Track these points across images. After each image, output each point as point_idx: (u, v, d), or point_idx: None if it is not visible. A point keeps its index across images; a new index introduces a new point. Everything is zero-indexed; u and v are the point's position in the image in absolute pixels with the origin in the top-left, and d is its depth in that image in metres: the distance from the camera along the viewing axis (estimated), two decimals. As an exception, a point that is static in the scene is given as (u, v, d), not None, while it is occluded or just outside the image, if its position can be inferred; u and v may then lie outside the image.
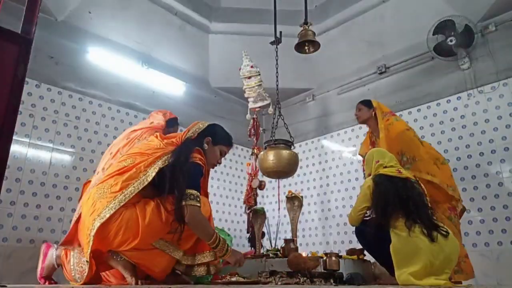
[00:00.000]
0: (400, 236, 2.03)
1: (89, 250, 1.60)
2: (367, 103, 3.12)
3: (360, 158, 4.27)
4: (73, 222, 1.95)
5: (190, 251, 1.87)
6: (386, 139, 2.81)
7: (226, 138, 2.17)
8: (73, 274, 1.73)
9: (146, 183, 1.74)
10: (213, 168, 2.17)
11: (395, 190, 2.14)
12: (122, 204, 1.65)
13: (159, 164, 1.80)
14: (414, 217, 2.05)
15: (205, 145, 2.04)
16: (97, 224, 1.61)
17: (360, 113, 3.13)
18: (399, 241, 2.02)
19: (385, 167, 2.29)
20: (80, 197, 2.58)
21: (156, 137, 2.04)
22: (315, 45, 3.40)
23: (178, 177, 1.76)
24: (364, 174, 2.57)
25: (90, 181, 2.56)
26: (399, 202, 2.10)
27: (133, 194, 1.69)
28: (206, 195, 2.10)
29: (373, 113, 3.04)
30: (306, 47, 3.46)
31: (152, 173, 1.76)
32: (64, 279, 1.90)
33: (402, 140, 2.80)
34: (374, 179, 2.24)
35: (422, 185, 2.30)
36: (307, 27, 3.32)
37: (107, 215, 1.62)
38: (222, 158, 2.18)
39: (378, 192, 2.17)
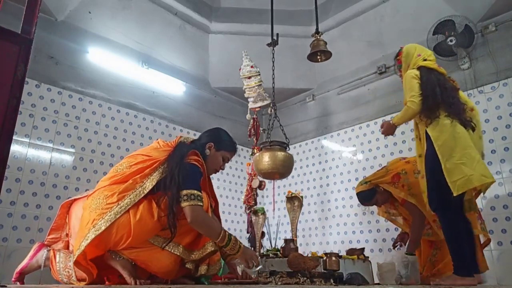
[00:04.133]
0: (445, 125, 2.13)
1: (75, 258, 1.59)
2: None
3: (360, 158, 4.29)
4: (63, 208, 1.93)
5: (191, 246, 1.84)
6: None
7: (230, 144, 2.12)
8: (60, 278, 1.74)
9: (142, 195, 1.72)
10: (214, 173, 2.13)
11: (438, 80, 2.24)
12: (118, 216, 1.64)
13: (156, 176, 1.77)
14: (454, 108, 2.17)
15: (207, 150, 2.02)
16: (92, 235, 1.59)
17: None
18: (445, 130, 2.13)
19: (425, 59, 2.34)
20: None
21: (158, 142, 2.04)
22: (327, 54, 3.45)
23: (171, 182, 1.74)
24: (397, 72, 2.55)
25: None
26: (440, 93, 2.19)
27: (129, 206, 1.67)
28: (215, 198, 2.08)
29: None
30: (318, 57, 3.50)
31: (149, 185, 1.74)
32: (50, 280, 1.89)
33: None
34: (420, 71, 2.29)
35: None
36: (318, 37, 3.37)
37: (103, 228, 1.60)
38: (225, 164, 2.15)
39: (425, 81, 2.24)
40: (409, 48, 2.45)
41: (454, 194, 2.05)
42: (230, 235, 1.81)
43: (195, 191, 1.74)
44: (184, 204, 1.71)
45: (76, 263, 1.60)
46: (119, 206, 1.66)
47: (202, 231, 1.79)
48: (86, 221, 1.65)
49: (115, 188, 1.72)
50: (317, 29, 3.43)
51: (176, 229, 1.71)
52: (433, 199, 2.20)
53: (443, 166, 2.09)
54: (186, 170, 1.78)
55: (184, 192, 1.73)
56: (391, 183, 2.69)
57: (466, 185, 2.05)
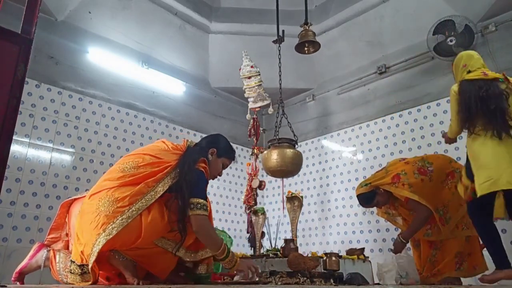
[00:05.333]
0: (475, 139, 2.14)
1: (90, 264, 1.57)
2: None
3: (360, 158, 4.29)
4: (63, 207, 1.92)
5: (193, 247, 1.86)
6: None
7: (230, 152, 2.15)
8: (60, 278, 1.73)
9: (154, 199, 1.71)
10: (213, 179, 2.14)
11: (477, 91, 2.16)
12: (130, 220, 1.61)
13: (168, 181, 1.77)
14: (490, 117, 2.11)
15: (210, 156, 2.04)
16: (103, 240, 1.55)
17: None
18: (475, 144, 2.14)
19: (469, 71, 2.29)
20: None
21: (163, 142, 2.03)
22: (315, 46, 3.39)
23: (182, 187, 1.75)
24: None
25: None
26: (480, 104, 2.14)
27: (141, 211, 1.65)
28: None
29: None
30: (306, 48, 3.44)
31: (161, 190, 1.74)
32: (50, 280, 1.89)
33: None
34: (459, 87, 2.27)
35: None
36: (307, 28, 3.30)
37: (114, 232, 1.57)
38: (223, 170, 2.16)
39: (462, 99, 2.21)
40: (457, 60, 2.43)
41: (478, 195, 2.09)
42: (229, 249, 1.83)
43: (202, 200, 1.77)
44: (190, 212, 1.72)
45: (91, 269, 1.59)
46: (130, 210, 1.63)
47: (204, 241, 1.81)
48: (94, 225, 1.60)
49: (126, 191, 1.68)
50: (306, 19, 3.35)
51: (186, 234, 1.73)
52: (469, 206, 2.30)
53: (474, 172, 2.14)
54: (195, 177, 1.80)
55: (192, 200, 1.74)
56: (391, 183, 2.69)
57: (490, 187, 2.05)
